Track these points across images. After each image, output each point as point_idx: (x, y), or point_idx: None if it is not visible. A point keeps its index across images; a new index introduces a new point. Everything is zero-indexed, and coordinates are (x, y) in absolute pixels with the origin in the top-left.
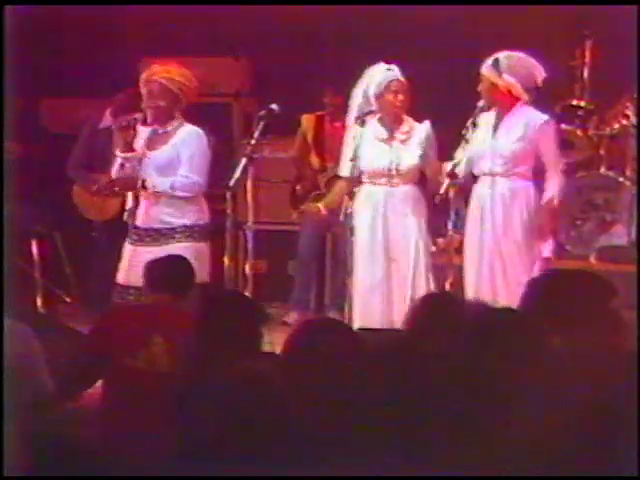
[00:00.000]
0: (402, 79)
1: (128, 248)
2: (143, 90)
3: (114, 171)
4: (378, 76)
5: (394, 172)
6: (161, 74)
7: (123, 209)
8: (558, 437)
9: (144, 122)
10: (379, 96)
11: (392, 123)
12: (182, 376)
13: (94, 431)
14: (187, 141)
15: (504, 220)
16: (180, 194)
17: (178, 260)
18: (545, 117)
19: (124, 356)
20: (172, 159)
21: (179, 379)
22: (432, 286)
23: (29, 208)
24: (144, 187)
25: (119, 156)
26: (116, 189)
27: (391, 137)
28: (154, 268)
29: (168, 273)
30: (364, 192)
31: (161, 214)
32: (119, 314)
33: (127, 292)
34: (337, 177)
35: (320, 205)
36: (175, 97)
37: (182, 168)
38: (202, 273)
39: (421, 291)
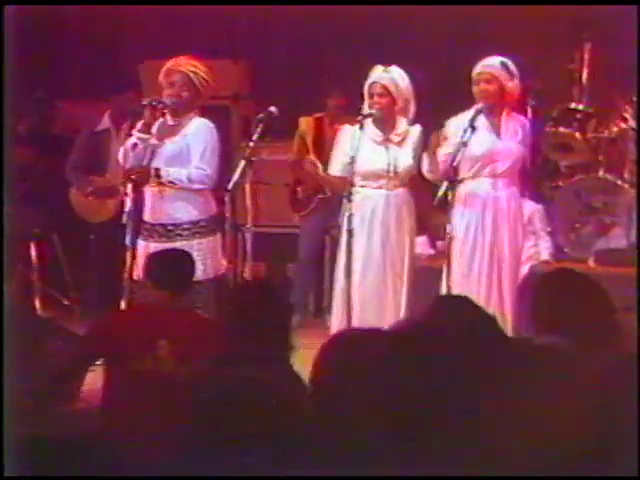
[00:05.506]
0: (384, 82)
1: (141, 244)
2: (164, 80)
3: (125, 150)
4: (370, 78)
5: (392, 174)
6: (187, 66)
7: (121, 210)
8: (558, 437)
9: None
10: (368, 98)
11: (385, 125)
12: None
13: (96, 431)
14: (198, 134)
15: (502, 221)
16: (195, 186)
17: (181, 255)
18: (527, 119)
19: (130, 359)
20: (181, 150)
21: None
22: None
23: (28, 210)
24: (158, 176)
25: (136, 135)
26: (133, 177)
27: (386, 139)
28: (155, 262)
29: (170, 268)
30: (360, 196)
31: (168, 209)
32: (122, 317)
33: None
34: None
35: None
36: (197, 91)
37: (195, 160)
38: (216, 266)
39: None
